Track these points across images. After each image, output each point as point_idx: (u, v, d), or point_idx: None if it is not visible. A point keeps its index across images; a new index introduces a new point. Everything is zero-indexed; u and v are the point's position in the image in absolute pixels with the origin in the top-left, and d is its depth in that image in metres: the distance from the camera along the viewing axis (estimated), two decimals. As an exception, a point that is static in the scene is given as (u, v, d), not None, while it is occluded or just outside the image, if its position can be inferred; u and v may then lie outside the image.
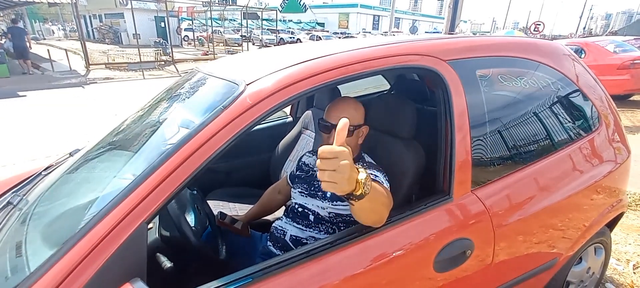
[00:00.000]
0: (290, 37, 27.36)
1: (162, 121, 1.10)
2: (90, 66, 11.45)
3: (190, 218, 1.11)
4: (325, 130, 1.20)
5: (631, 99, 7.02)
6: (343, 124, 0.70)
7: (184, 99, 1.15)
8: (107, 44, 20.66)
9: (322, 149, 0.69)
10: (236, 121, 0.81)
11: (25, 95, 7.30)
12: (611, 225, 1.71)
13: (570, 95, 1.43)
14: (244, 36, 20.73)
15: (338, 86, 1.20)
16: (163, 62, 13.23)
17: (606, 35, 20.27)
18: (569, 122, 1.42)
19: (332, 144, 1.17)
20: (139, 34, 13.89)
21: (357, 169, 0.77)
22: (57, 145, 4.38)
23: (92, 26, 25.59)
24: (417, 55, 1.08)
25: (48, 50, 11.34)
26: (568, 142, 1.37)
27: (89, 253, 0.65)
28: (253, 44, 22.52)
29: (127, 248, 0.67)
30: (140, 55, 12.31)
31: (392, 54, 1.05)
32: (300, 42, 11.08)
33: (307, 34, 30.30)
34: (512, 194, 1.18)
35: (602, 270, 1.76)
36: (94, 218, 0.68)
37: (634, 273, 2.07)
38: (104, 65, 11.84)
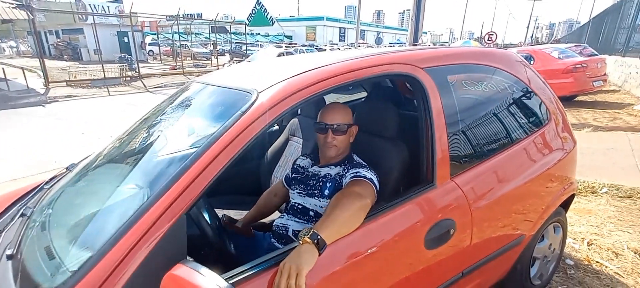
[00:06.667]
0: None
1: (180, 129, 1.18)
2: (50, 84, 10.86)
3: (206, 216, 1.19)
4: (320, 131, 1.35)
5: (576, 99, 7.78)
6: None
7: (194, 108, 1.25)
8: (66, 60, 19.63)
9: None
10: (254, 125, 0.93)
11: (-22, 117, 6.81)
12: (565, 206, 1.97)
13: (525, 96, 1.68)
14: (223, 50, 20.23)
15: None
16: (129, 78, 12.81)
17: (551, 43, 22.18)
18: (525, 118, 1.66)
19: (330, 142, 1.32)
20: (101, 50, 13.40)
21: (300, 241, 0.92)
22: (24, 166, 4.17)
23: (48, 43, 24.18)
24: (399, 64, 1.26)
25: (2, 68, 10.62)
26: (525, 135, 1.61)
27: (140, 239, 0.73)
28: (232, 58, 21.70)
29: (172, 234, 0.77)
30: (104, 71, 11.85)
31: (378, 63, 1.22)
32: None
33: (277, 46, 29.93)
34: (484, 180, 1.38)
35: (562, 246, 2.02)
36: (139, 211, 0.77)
37: (589, 249, 2.36)
38: (65, 83, 11.27)
